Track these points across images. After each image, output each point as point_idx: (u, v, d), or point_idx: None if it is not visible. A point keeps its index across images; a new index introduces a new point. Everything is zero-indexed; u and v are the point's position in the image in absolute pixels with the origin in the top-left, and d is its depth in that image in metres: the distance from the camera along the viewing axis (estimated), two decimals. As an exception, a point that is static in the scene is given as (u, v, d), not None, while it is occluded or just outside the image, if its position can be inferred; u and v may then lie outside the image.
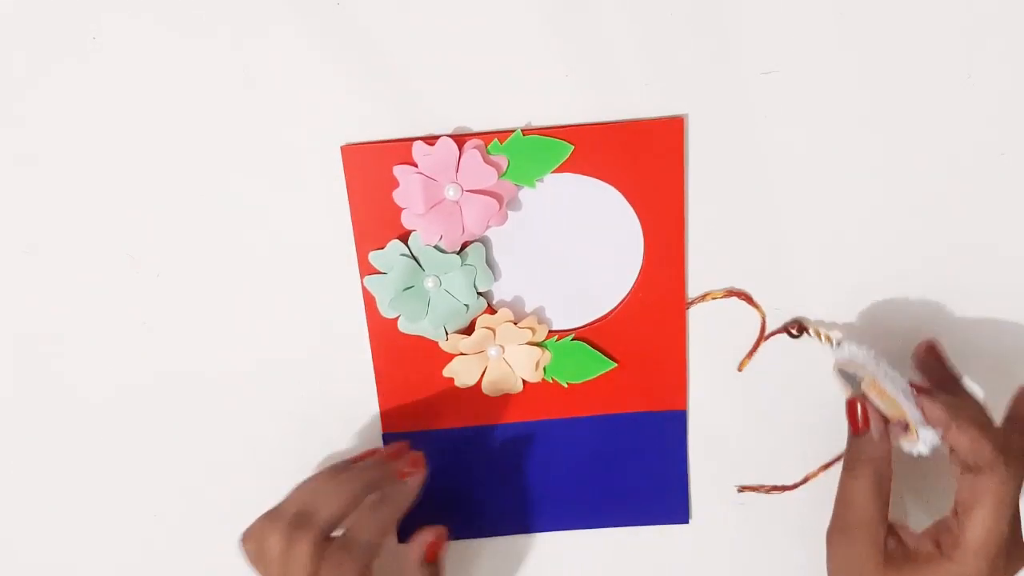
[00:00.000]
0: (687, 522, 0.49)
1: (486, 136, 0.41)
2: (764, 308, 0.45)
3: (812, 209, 0.44)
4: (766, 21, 0.40)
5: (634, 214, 0.43)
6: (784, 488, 0.48)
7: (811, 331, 0.44)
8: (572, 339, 0.45)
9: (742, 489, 0.48)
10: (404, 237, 0.43)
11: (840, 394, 0.43)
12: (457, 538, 0.49)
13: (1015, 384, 0.44)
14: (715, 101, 0.42)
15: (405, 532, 0.46)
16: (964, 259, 0.45)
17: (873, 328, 0.46)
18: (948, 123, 0.42)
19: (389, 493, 0.42)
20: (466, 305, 0.44)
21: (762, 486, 0.48)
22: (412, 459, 0.44)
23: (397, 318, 0.44)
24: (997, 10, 0.40)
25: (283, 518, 0.40)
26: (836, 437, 0.45)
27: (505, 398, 0.46)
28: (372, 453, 0.45)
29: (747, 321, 0.45)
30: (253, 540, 0.40)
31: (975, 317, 0.46)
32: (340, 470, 0.42)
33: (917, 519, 0.48)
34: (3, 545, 0.50)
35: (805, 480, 0.48)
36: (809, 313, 0.45)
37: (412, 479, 0.43)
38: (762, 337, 0.45)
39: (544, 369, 0.45)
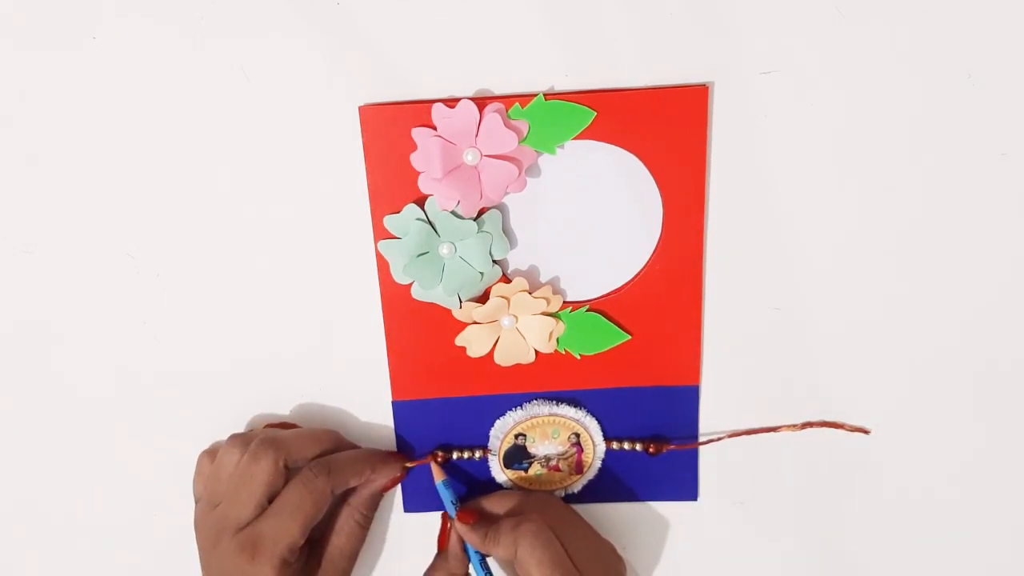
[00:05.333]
0: (696, 499, 0.49)
1: (507, 100, 0.40)
2: (764, 308, 0.45)
3: (810, 209, 0.43)
4: (766, 21, 0.40)
5: (655, 184, 0.42)
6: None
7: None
8: (587, 310, 0.44)
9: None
10: (420, 202, 0.42)
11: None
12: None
13: (1016, 380, 0.45)
14: (715, 100, 0.41)
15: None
16: (964, 258, 0.44)
17: (872, 324, 0.46)
18: (948, 123, 0.42)
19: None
20: (481, 273, 0.43)
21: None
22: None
23: (410, 285, 0.43)
24: (997, 10, 0.40)
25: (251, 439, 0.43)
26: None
27: (517, 368, 0.45)
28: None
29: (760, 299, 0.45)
30: (210, 455, 0.44)
31: (975, 316, 0.45)
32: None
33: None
34: (2, 545, 0.50)
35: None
36: (810, 309, 0.45)
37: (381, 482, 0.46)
38: None
39: (557, 340, 0.45)
